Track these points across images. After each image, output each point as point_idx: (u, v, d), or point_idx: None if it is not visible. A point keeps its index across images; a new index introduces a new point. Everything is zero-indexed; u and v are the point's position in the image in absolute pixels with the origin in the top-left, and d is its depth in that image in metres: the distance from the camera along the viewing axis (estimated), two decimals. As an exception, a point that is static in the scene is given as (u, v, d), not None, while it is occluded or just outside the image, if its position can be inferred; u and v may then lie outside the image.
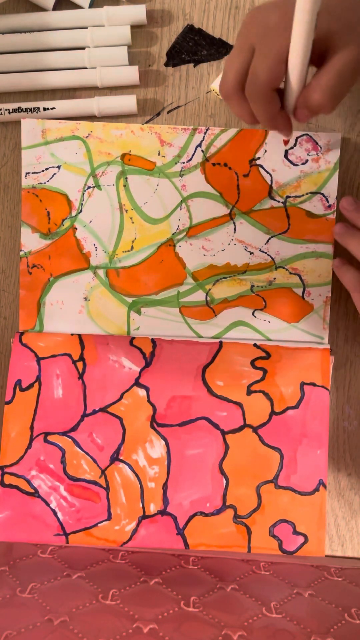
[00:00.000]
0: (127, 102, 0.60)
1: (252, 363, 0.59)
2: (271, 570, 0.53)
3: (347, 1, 0.46)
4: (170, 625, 0.45)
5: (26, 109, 0.60)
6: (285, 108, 0.49)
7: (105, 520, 0.57)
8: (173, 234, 0.60)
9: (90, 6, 0.61)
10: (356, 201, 0.56)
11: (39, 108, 0.60)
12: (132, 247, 0.60)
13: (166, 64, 0.61)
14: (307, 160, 0.59)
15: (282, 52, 0.44)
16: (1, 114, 0.60)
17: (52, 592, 0.48)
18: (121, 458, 0.58)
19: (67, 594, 0.48)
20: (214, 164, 0.60)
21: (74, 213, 0.61)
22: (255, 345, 0.59)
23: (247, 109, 0.49)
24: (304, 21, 0.40)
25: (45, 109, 0.60)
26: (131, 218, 0.60)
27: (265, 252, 0.60)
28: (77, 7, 0.61)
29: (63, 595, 0.47)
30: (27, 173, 0.60)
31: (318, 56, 0.46)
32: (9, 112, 0.60)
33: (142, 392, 0.59)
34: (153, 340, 0.59)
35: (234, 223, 0.60)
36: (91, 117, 0.61)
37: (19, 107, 0.60)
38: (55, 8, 0.61)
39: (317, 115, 0.49)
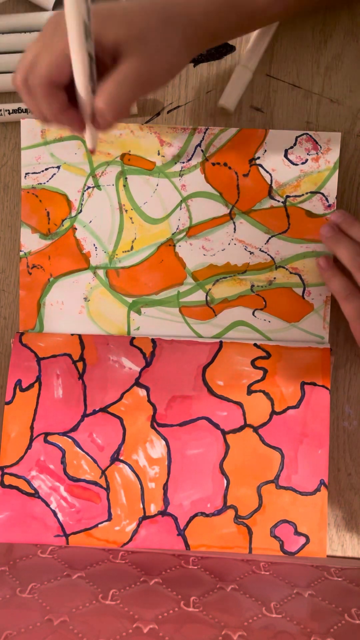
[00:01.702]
0: None
1: (253, 363, 0.59)
2: (271, 570, 0.53)
3: (141, 9, 0.46)
4: (170, 626, 0.45)
5: (26, 110, 0.60)
6: (81, 112, 0.47)
7: (106, 520, 0.57)
8: (173, 234, 0.60)
9: (90, 6, 0.61)
10: (345, 214, 0.57)
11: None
12: (132, 247, 0.60)
13: (166, 64, 0.61)
14: (307, 160, 0.59)
15: (66, 51, 0.43)
16: (1, 115, 0.60)
17: (52, 592, 0.48)
18: (121, 458, 0.58)
19: (67, 594, 0.48)
20: (213, 164, 0.60)
21: (73, 213, 0.61)
22: (255, 345, 0.59)
23: (34, 104, 0.47)
24: (74, 27, 0.40)
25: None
26: (131, 218, 0.60)
27: (265, 252, 0.60)
28: (76, 7, 0.61)
29: (63, 595, 0.47)
30: (26, 173, 0.60)
31: (113, 62, 0.45)
32: (9, 113, 0.60)
33: (142, 392, 0.59)
34: (153, 340, 0.59)
35: (234, 223, 0.60)
36: (91, 117, 0.61)
37: (19, 108, 0.60)
38: (55, 8, 0.61)
39: (117, 122, 0.48)
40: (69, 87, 0.46)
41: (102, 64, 0.45)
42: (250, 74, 0.59)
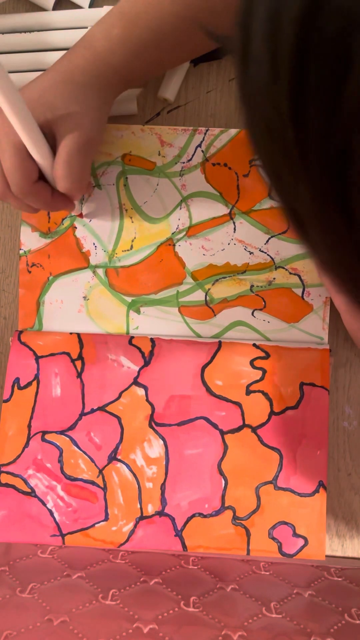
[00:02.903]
0: (127, 102, 0.60)
1: (252, 363, 0.59)
2: (271, 570, 0.53)
3: (54, 85, 0.49)
4: (170, 626, 0.44)
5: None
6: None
7: (103, 520, 0.57)
8: (173, 234, 0.60)
9: (90, 6, 0.61)
10: None
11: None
12: (131, 247, 0.60)
13: (167, 64, 0.61)
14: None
15: (18, 147, 0.46)
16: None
17: (51, 592, 0.47)
18: (119, 458, 0.58)
19: (67, 594, 0.47)
20: (214, 164, 0.60)
21: (74, 213, 0.60)
22: (254, 345, 0.59)
23: (24, 203, 0.51)
24: (17, 115, 0.42)
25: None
26: (131, 217, 0.60)
27: (265, 252, 0.60)
28: (77, 7, 0.61)
29: (63, 596, 0.47)
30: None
31: (53, 137, 0.49)
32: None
33: (140, 392, 0.59)
34: (152, 340, 0.59)
35: (234, 223, 0.60)
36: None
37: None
38: (55, 8, 0.61)
39: (82, 187, 0.52)
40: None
41: (50, 137, 0.49)
42: (187, 63, 0.60)
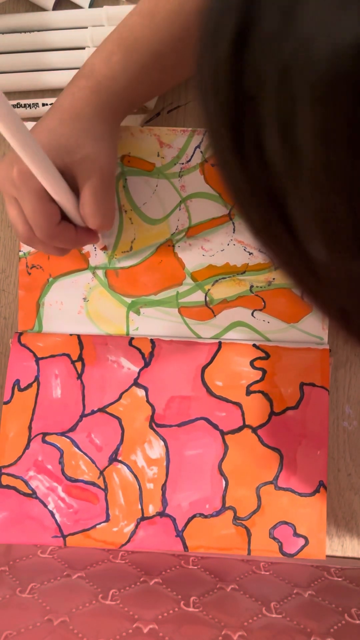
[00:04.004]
0: None
1: (252, 363, 0.59)
2: (271, 570, 0.53)
3: (72, 129, 0.50)
4: (170, 626, 0.45)
5: (25, 105, 0.60)
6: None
7: (104, 521, 0.57)
8: (172, 235, 0.60)
9: (90, 6, 0.61)
10: None
11: (37, 104, 0.60)
12: (131, 248, 0.60)
13: (166, 65, 0.61)
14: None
15: (38, 192, 0.46)
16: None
17: (52, 592, 0.47)
18: (120, 459, 0.58)
19: (67, 594, 0.47)
20: (213, 165, 0.60)
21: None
22: (254, 345, 0.59)
23: (53, 247, 0.52)
24: (36, 162, 0.42)
25: (44, 105, 0.60)
26: (130, 219, 0.60)
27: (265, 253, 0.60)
28: (77, 7, 0.61)
29: (63, 595, 0.47)
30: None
31: (73, 178, 0.49)
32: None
33: (141, 393, 0.59)
34: (152, 341, 0.59)
35: (233, 223, 0.60)
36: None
37: (18, 103, 0.60)
38: (55, 8, 0.61)
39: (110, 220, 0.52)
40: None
41: (69, 178, 0.49)
42: None
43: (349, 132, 0.16)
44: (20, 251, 0.61)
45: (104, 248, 0.60)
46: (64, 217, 0.50)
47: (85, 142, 0.49)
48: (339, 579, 0.52)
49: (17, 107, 0.60)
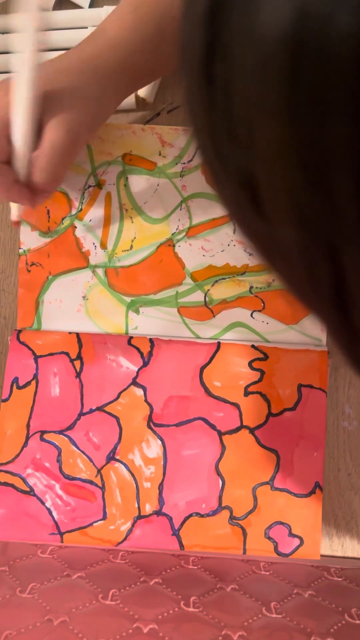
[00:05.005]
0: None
1: (250, 364, 0.59)
2: (271, 570, 0.53)
3: (63, 88, 0.47)
4: (170, 626, 0.45)
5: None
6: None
7: (101, 519, 0.57)
8: (172, 234, 0.60)
9: (90, 6, 0.61)
10: None
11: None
12: (131, 247, 0.60)
13: (167, 64, 0.61)
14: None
15: (1, 121, 0.45)
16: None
17: (52, 592, 0.47)
18: (117, 457, 0.58)
19: (67, 594, 0.47)
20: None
21: (73, 212, 0.60)
22: (253, 346, 0.59)
23: None
24: (25, 94, 0.42)
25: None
26: (131, 217, 0.60)
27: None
28: (77, 7, 0.61)
29: (63, 595, 0.47)
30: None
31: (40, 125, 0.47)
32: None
33: (139, 392, 0.59)
34: (151, 340, 0.59)
35: (234, 224, 0.60)
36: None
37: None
38: (55, 8, 0.61)
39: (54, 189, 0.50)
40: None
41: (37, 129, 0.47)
42: None
43: (279, 101, 0.16)
44: (20, 249, 0.60)
45: (16, 223, 0.55)
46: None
47: (68, 96, 0.47)
48: (339, 579, 0.52)
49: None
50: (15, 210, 0.54)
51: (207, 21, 0.19)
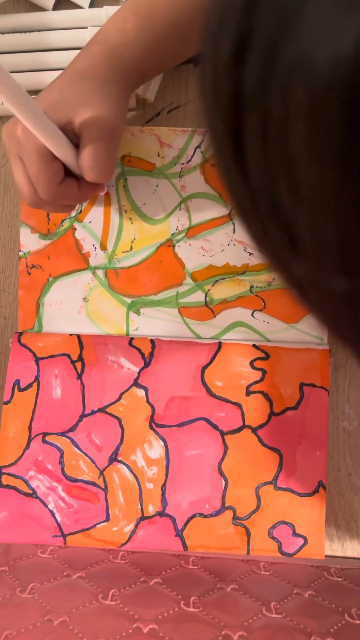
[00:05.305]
0: None
1: (251, 364, 0.59)
2: (271, 570, 0.53)
3: (82, 87, 0.49)
4: (170, 626, 0.45)
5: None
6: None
7: (104, 521, 0.57)
8: (172, 235, 0.60)
9: (90, 6, 0.61)
10: None
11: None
12: (131, 248, 0.60)
13: (166, 65, 0.61)
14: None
15: (40, 150, 0.46)
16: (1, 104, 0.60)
17: (52, 592, 0.47)
18: (120, 459, 0.58)
19: (67, 594, 0.47)
20: (213, 165, 0.60)
21: (73, 213, 0.61)
22: (254, 345, 0.59)
23: (58, 206, 0.52)
24: (33, 121, 0.42)
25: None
26: (130, 219, 0.60)
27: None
28: (77, 7, 0.61)
29: (63, 596, 0.47)
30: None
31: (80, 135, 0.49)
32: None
33: (140, 393, 0.59)
34: (152, 341, 0.59)
35: (234, 224, 0.60)
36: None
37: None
38: (55, 8, 0.61)
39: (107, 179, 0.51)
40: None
41: (73, 136, 0.49)
42: None
43: (340, 148, 0.15)
44: (20, 251, 0.61)
45: (107, 194, 0.60)
46: (68, 173, 0.50)
47: (91, 98, 0.49)
48: (339, 579, 0.52)
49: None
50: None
51: (236, 61, 0.18)
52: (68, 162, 0.48)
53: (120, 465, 0.58)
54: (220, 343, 0.59)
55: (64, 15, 0.61)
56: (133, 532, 0.57)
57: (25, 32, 0.60)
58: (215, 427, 0.58)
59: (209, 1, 0.20)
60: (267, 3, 0.17)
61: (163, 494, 0.57)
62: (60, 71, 0.59)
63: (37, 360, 0.59)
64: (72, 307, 0.61)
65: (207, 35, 0.20)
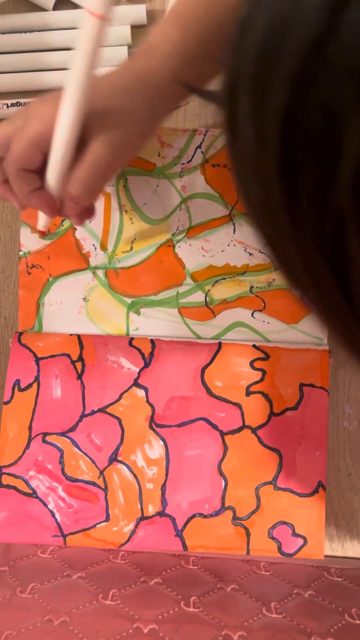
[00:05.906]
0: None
1: (251, 364, 0.59)
2: (271, 570, 0.53)
3: (107, 106, 0.46)
4: (170, 626, 0.45)
5: (25, 103, 0.60)
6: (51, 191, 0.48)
7: (104, 521, 0.57)
8: (172, 235, 0.60)
9: (91, 7, 0.61)
10: None
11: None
12: (131, 248, 0.60)
13: (166, 65, 0.61)
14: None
15: (36, 137, 0.44)
16: (0, 109, 0.60)
17: (52, 592, 0.47)
18: (120, 459, 0.58)
19: (67, 594, 0.47)
20: (214, 165, 0.60)
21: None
22: (254, 346, 0.59)
23: (6, 186, 0.48)
24: (69, 114, 0.41)
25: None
26: (131, 219, 0.60)
27: (265, 253, 0.60)
28: (77, 7, 0.61)
29: (63, 596, 0.47)
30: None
31: (80, 145, 0.46)
32: (7, 107, 0.60)
33: (141, 393, 0.59)
34: (152, 341, 0.59)
35: (234, 224, 0.60)
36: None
37: (18, 102, 0.60)
38: (55, 8, 0.61)
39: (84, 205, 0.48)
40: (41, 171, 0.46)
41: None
42: None
43: None
44: (20, 251, 0.61)
45: (44, 233, 0.57)
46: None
47: (117, 114, 0.46)
48: (339, 579, 0.52)
49: (17, 106, 0.60)
50: (42, 220, 0.54)
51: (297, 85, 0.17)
52: (56, 166, 0.46)
53: (120, 465, 0.58)
54: (220, 343, 0.59)
55: (64, 15, 0.61)
56: (133, 532, 0.57)
57: (25, 32, 0.60)
58: (215, 427, 0.58)
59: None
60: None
61: (163, 494, 0.57)
62: (60, 71, 0.60)
63: (37, 360, 0.59)
64: (72, 307, 0.61)
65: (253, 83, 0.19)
